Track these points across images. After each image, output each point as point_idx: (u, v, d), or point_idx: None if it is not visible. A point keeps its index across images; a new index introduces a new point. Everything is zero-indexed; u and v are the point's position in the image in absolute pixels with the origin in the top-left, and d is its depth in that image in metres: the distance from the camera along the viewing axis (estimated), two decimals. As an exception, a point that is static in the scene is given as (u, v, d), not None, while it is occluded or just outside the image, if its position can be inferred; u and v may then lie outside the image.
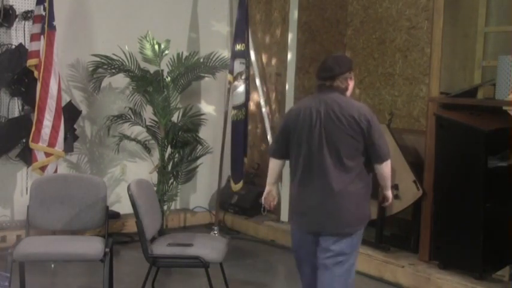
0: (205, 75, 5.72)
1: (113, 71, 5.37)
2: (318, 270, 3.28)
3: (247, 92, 5.63)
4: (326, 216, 3.21)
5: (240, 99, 5.55)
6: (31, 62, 4.78)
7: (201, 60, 5.60)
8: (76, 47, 5.51)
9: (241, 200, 6.13)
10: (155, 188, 5.21)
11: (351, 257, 3.26)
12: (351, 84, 3.32)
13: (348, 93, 3.31)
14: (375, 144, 3.18)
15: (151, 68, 5.44)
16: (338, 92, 3.25)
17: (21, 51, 5.00)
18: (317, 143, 3.20)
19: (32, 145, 4.73)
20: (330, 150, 3.17)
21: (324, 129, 3.19)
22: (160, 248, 3.65)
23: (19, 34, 5.16)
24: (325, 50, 5.96)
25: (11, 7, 5.04)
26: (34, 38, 4.80)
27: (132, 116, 5.53)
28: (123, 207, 5.49)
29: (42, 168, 4.79)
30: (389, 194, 3.38)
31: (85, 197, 3.87)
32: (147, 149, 5.64)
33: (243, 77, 5.54)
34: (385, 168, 3.24)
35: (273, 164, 3.54)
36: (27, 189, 5.12)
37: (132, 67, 5.36)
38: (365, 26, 5.83)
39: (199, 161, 5.80)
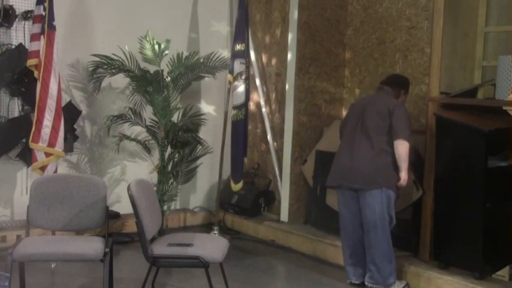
0: (205, 75, 5.72)
1: (113, 71, 5.37)
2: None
3: (247, 92, 5.63)
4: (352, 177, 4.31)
5: (240, 99, 5.55)
6: (31, 62, 4.77)
7: (201, 60, 5.60)
8: (76, 47, 5.51)
9: (241, 200, 6.14)
10: (155, 188, 5.21)
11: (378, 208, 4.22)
12: (403, 98, 4.51)
13: (401, 101, 4.46)
14: (393, 124, 4.18)
15: (151, 68, 5.44)
16: (389, 95, 4.40)
17: (21, 51, 5.00)
18: (354, 126, 4.36)
19: (32, 145, 4.73)
20: (362, 131, 4.29)
21: (362, 118, 4.31)
22: (160, 248, 3.65)
23: (19, 34, 5.16)
24: (325, 50, 5.96)
25: (11, 7, 5.04)
26: (34, 38, 4.80)
27: (132, 116, 5.53)
28: (123, 207, 5.49)
29: (42, 168, 4.79)
30: (403, 175, 4.18)
31: (85, 197, 3.86)
32: (147, 149, 5.64)
33: (243, 77, 5.54)
34: (399, 147, 4.14)
35: None
36: (27, 189, 5.13)
37: (132, 67, 5.36)
38: (365, 26, 5.83)
39: (199, 161, 5.80)
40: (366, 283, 4.35)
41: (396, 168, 4.21)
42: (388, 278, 4.28)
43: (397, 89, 4.46)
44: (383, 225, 4.24)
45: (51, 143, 4.76)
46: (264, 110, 6.26)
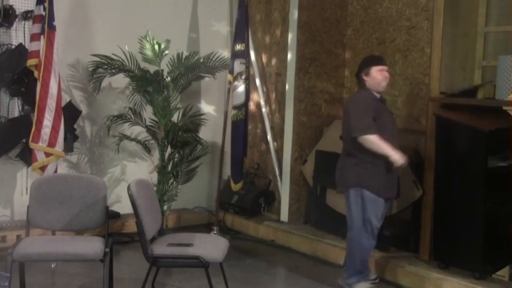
0: (205, 75, 5.72)
1: (113, 71, 5.37)
2: None
3: (247, 92, 5.63)
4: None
5: (240, 99, 5.56)
6: (31, 62, 4.77)
7: (201, 60, 5.60)
8: (76, 47, 5.51)
9: (241, 200, 6.14)
10: (155, 188, 5.20)
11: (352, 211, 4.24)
12: (368, 79, 4.23)
13: (370, 85, 4.22)
14: (350, 123, 4.16)
15: (151, 68, 5.44)
16: (359, 87, 4.34)
17: (21, 51, 5.00)
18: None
19: (32, 145, 4.73)
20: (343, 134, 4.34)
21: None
22: (160, 248, 3.65)
23: (19, 34, 5.16)
24: (325, 50, 5.96)
25: (11, 7, 5.04)
26: (34, 38, 4.80)
27: (132, 116, 5.53)
28: (123, 207, 5.49)
29: (42, 168, 4.79)
30: (392, 159, 4.02)
31: (85, 197, 3.87)
32: (147, 149, 5.64)
33: (243, 77, 5.54)
34: (364, 144, 4.06)
35: None
36: (27, 189, 5.12)
37: (132, 67, 5.36)
38: (365, 26, 5.83)
39: (199, 161, 5.80)
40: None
41: (372, 167, 4.11)
42: (350, 278, 4.29)
43: (359, 77, 4.29)
44: (356, 226, 4.23)
45: (51, 143, 4.76)
46: (264, 110, 6.26)
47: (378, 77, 4.21)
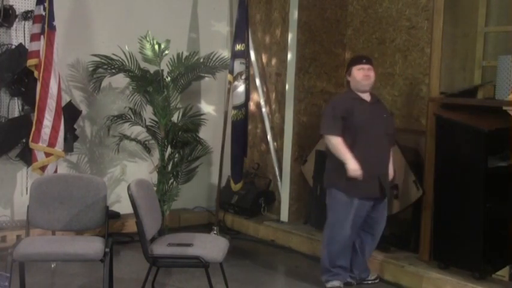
0: (205, 75, 5.72)
1: (113, 71, 5.37)
2: None
3: (247, 92, 5.63)
4: None
5: (240, 99, 5.56)
6: (31, 62, 4.77)
7: (201, 60, 5.60)
8: (76, 47, 5.51)
9: (241, 200, 6.14)
10: (155, 188, 5.21)
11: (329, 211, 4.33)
12: (350, 79, 4.31)
13: (352, 85, 4.29)
14: None
15: (151, 68, 5.44)
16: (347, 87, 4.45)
17: (21, 51, 5.00)
18: None
19: (32, 145, 4.73)
20: None
21: None
22: (160, 248, 3.65)
23: (19, 34, 5.16)
24: (325, 50, 5.96)
25: (11, 7, 5.04)
26: (34, 38, 4.80)
27: (132, 116, 5.53)
28: (123, 207, 5.49)
29: (42, 168, 4.80)
30: (347, 167, 4.05)
31: (85, 197, 3.87)
32: (147, 149, 5.64)
33: (243, 77, 5.54)
34: (327, 143, 4.21)
35: None
36: (27, 189, 5.12)
37: (132, 67, 5.36)
38: (365, 26, 5.83)
39: (199, 161, 5.80)
40: None
41: (342, 167, 4.08)
42: (322, 275, 4.38)
43: (345, 78, 4.42)
44: (328, 225, 4.34)
45: (51, 143, 4.76)
46: (264, 110, 6.26)
47: (357, 76, 4.24)
